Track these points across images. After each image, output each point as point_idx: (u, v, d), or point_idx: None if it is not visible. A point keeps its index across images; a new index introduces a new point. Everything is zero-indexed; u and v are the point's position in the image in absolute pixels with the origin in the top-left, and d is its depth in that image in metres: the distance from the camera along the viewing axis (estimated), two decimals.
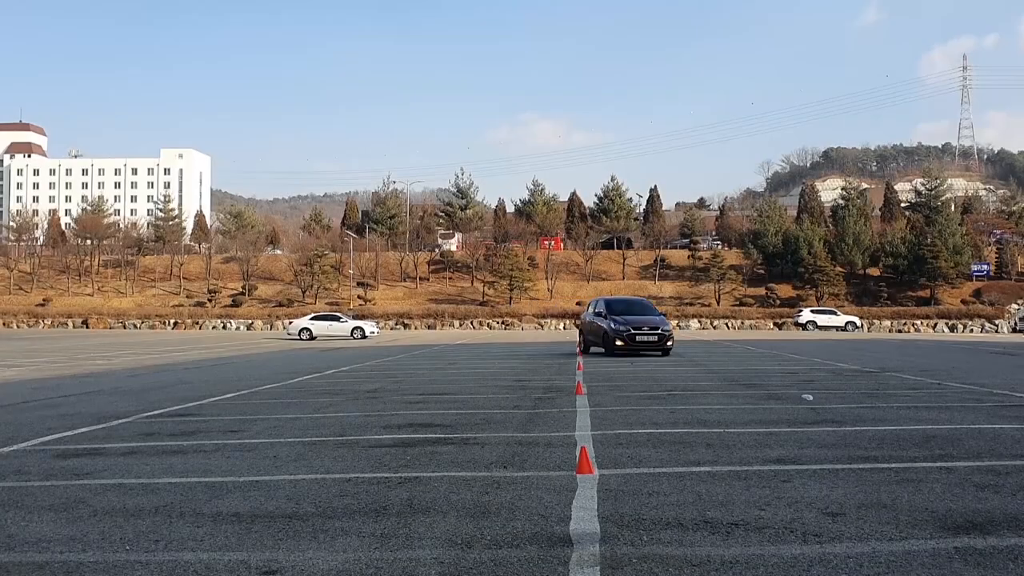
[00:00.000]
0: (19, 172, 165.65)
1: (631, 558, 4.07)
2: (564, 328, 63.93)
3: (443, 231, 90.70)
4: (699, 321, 66.25)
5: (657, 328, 22.10)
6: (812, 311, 62.61)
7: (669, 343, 22.12)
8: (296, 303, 72.56)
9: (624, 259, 79.96)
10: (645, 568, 3.91)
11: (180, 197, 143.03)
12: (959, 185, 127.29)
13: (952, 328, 62.75)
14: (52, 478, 6.27)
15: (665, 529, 4.60)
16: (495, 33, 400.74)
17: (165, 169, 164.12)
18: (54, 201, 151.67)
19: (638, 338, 21.74)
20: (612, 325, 22.06)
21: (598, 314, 23.63)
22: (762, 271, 77.18)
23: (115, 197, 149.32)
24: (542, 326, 65.86)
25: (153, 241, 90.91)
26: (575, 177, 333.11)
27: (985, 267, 72.92)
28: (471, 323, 67.34)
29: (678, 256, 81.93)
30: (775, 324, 65.19)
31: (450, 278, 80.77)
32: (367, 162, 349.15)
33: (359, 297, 72.49)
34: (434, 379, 15.61)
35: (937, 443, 7.46)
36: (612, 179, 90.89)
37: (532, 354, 25.00)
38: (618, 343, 21.66)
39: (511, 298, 71.89)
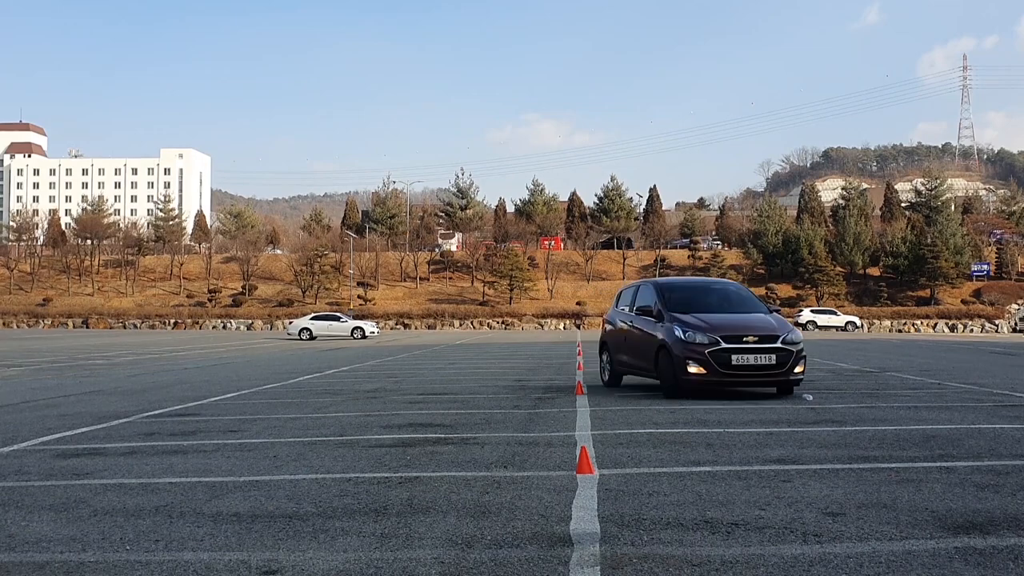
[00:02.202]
0: (19, 172, 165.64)
1: (631, 558, 4.07)
2: (564, 328, 63.97)
3: (443, 231, 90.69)
4: None
5: (775, 336, 11.10)
6: (812, 311, 62.64)
7: (798, 369, 11.22)
8: (296, 303, 72.54)
9: (624, 259, 79.94)
10: (645, 568, 3.91)
11: (180, 197, 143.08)
12: (959, 185, 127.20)
13: (952, 328, 62.74)
14: (52, 478, 6.27)
15: (665, 529, 4.60)
16: (496, 33, 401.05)
17: (165, 169, 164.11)
18: (54, 201, 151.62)
19: (736, 358, 10.81)
20: (680, 332, 11.11)
21: (642, 311, 12.43)
22: (762, 271, 77.16)
23: (115, 197, 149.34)
24: (542, 326, 65.87)
25: (153, 241, 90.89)
26: (575, 177, 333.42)
27: (985, 267, 72.90)
28: (471, 323, 67.34)
29: (678, 256, 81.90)
30: None
31: (450, 278, 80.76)
32: (367, 162, 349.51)
33: (359, 297, 72.47)
34: (434, 379, 15.61)
35: (937, 443, 7.46)
36: (612, 179, 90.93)
37: (532, 354, 25.00)
38: (693, 370, 10.87)
39: (511, 298, 71.89)
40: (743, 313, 11.98)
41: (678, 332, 11.16)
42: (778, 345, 11.01)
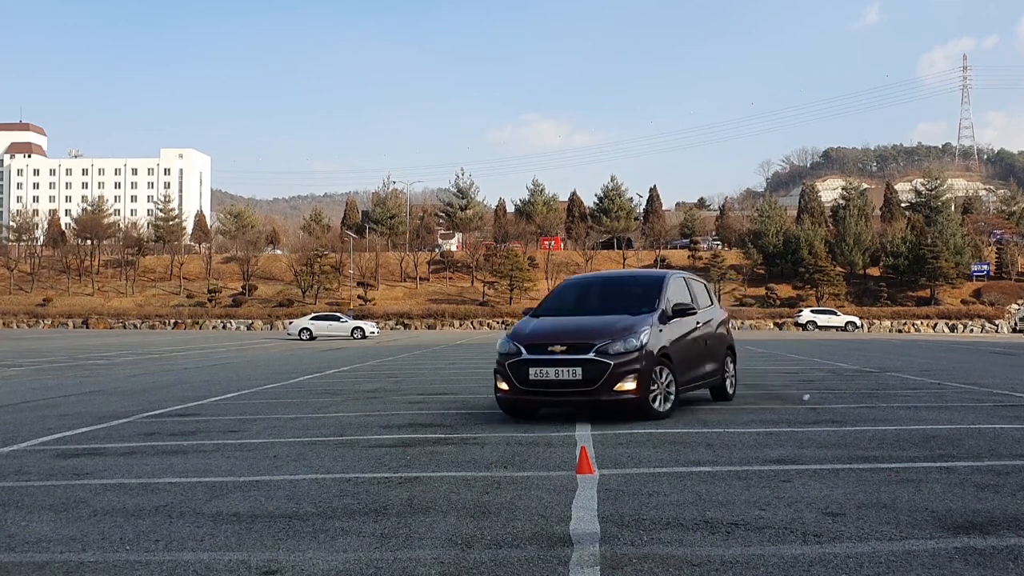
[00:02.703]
0: (19, 172, 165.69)
1: (631, 558, 4.07)
2: None
3: (443, 231, 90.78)
4: None
5: (589, 345, 8.73)
6: (812, 311, 62.73)
7: (621, 386, 8.65)
8: (296, 303, 72.57)
9: (624, 259, 79.98)
10: (645, 568, 3.91)
11: (180, 197, 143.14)
12: (959, 185, 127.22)
13: (952, 328, 62.77)
14: (52, 478, 6.27)
15: (665, 529, 4.59)
16: (496, 33, 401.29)
17: (165, 169, 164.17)
18: (54, 201, 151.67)
19: (534, 372, 8.79)
20: (504, 344, 9.33)
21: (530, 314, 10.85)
22: (762, 271, 77.22)
23: (115, 197, 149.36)
24: None
25: (153, 241, 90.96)
26: (575, 177, 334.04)
27: (985, 267, 72.96)
28: (471, 323, 67.35)
29: (678, 256, 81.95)
30: (775, 324, 65.21)
31: (450, 278, 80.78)
32: (367, 162, 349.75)
33: (359, 297, 72.48)
34: (434, 379, 15.61)
35: (937, 443, 7.46)
36: (612, 179, 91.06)
37: None
38: (500, 385, 9.21)
39: (511, 298, 71.90)
40: (597, 315, 9.54)
41: (504, 343, 9.35)
42: (589, 356, 8.60)
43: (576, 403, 9.08)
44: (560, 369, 8.67)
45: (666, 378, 9.06)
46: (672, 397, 9.13)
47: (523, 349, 8.94)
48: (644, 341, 8.77)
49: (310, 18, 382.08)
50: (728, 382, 11.16)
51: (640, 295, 9.84)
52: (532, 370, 8.78)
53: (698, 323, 10.12)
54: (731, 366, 11.29)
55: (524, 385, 8.85)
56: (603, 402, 8.73)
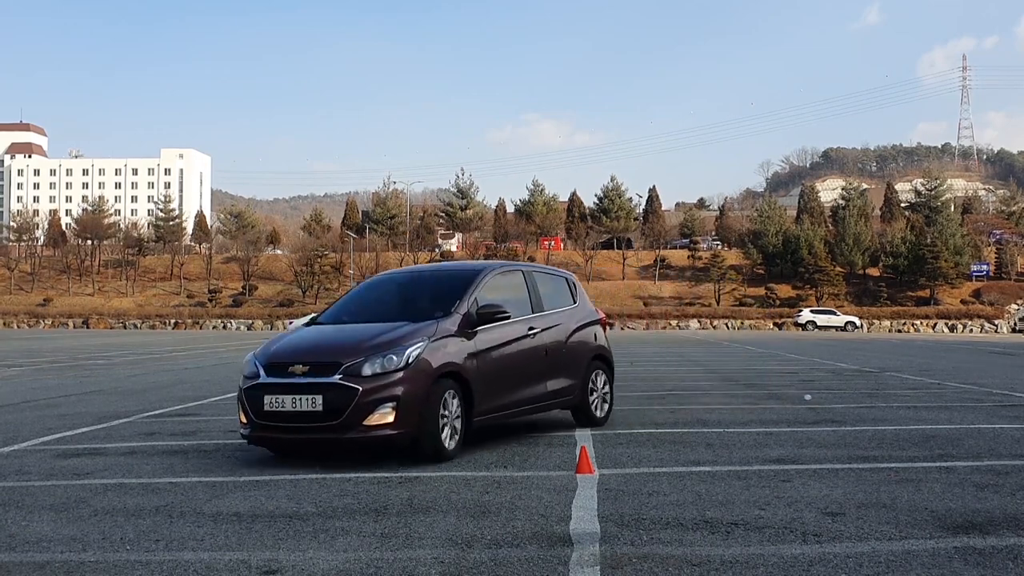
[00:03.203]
0: (19, 172, 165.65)
1: (631, 558, 4.07)
2: None
3: (443, 231, 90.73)
4: (699, 321, 66.31)
5: (336, 365, 6.54)
6: (812, 311, 62.77)
7: (376, 419, 6.41)
8: (296, 303, 72.57)
9: (624, 259, 79.97)
10: (645, 568, 3.92)
11: (180, 197, 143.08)
12: (959, 185, 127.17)
13: (952, 328, 62.76)
14: (53, 478, 6.28)
15: (665, 529, 4.60)
16: (496, 33, 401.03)
17: (165, 169, 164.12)
18: (54, 201, 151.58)
19: (269, 402, 6.57)
20: (247, 363, 7.07)
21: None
22: (762, 271, 77.17)
23: (115, 197, 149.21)
24: None
25: (153, 241, 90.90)
26: (575, 177, 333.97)
27: (985, 267, 72.93)
28: None
29: (678, 256, 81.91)
30: (775, 324, 65.21)
31: None
32: (367, 162, 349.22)
33: None
34: None
35: (937, 443, 7.47)
36: (612, 179, 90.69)
37: None
38: (241, 417, 6.91)
39: None
40: (383, 321, 7.26)
41: (250, 362, 7.10)
42: (332, 380, 6.47)
43: (320, 443, 6.72)
44: (298, 397, 6.50)
45: (455, 406, 6.86)
46: (458, 432, 6.90)
47: (263, 371, 6.80)
48: (412, 357, 6.60)
49: (310, 18, 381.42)
50: (595, 402, 8.74)
51: (444, 295, 7.61)
52: (267, 399, 6.60)
53: (531, 329, 7.87)
54: (601, 382, 8.88)
55: (260, 418, 6.66)
56: (353, 441, 6.50)
